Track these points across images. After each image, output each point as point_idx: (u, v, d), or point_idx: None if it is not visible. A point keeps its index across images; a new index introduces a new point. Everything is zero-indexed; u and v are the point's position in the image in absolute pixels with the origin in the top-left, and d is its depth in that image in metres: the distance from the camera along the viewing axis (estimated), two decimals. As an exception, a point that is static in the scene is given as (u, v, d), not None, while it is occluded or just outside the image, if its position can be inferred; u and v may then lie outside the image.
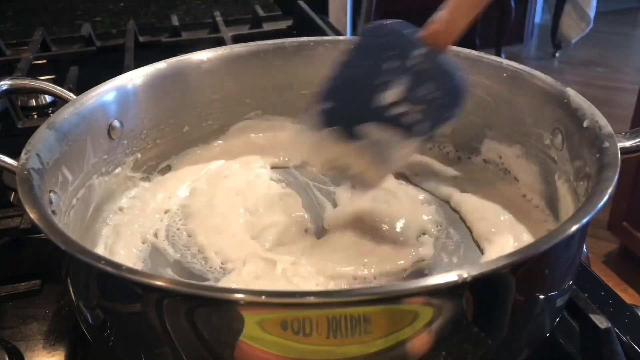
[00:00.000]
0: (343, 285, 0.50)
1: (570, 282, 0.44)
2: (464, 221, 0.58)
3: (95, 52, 1.03)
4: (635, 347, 0.46)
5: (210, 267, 0.53)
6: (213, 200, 0.61)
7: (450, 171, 0.65)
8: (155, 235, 0.58)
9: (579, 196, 0.48)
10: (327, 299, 0.33)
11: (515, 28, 3.64)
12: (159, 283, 0.33)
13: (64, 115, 0.52)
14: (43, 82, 0.60)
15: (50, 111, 0.90)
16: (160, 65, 0.63)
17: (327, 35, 1.01)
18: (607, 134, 0.45)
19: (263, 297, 0.32)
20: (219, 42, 0.99)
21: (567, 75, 3.33)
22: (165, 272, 0.53)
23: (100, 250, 0.54)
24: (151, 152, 0.64)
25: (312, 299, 0.32)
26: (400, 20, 0.46)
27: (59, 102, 0.60)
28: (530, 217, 0.56)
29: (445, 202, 0.61)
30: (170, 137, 0.66)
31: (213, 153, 0.69)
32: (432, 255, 0.54)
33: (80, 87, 0.73)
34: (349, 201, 0.61)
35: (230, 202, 0.61)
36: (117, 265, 0.34)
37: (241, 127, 0.71)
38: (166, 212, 0.61)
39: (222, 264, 0.53)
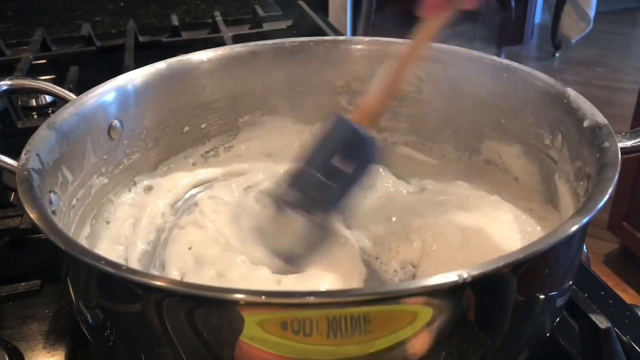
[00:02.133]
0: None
1: (570, 282, 0.44)
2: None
3: (95, 52, 1.03)
4: (635, 347, 0.46)
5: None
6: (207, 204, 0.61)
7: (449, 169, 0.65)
8: (152, 235, 0.58)
9: (579, 196, 0.48)
10: (327, 299, 0.33)
11: (515, 28, 3.64)
12: (158, 283, 0.33)
13: (64, 115, 0.52)
14: (43, 82, 0.60)
15: (50, 111, 0.90)
16: (160, 65, 0.63)
17: (327, 35, 1.01)
18: (607, 134, 0.45)
19: (263, 297, 0.32)
20: (219, 42, 1.00)
21: (567, 75, 3.33)
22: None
23: (99, 250, 0.54)
24: (151, 152, 0.64)
25: (312, 299, 0.32)
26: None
27: (59, 102, 0.60)
28: (529, 217, 0.56)
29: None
30: (170, 137, 0.66)
31: (212, 154, 0.69)
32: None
33: (80, 87, 0.73)
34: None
35: (225, 210, 0.61)
36: (117, 265, 0.34)
37: (241, 127, 0.71)
38: (163, 215, 0.61)
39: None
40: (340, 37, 0.74)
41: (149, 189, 0.63)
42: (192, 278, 0.52)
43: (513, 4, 3.33)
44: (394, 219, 0.59)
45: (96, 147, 0.56)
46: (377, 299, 0.33)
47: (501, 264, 0.33)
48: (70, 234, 0.48)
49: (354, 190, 0.53)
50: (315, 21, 1.09)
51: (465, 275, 0.32)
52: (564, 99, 0.52)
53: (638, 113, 1.79)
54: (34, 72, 0.91)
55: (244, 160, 0.69)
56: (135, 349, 0.40)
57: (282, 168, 0.68)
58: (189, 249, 0.55)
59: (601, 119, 0.47)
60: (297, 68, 0.70)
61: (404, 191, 0.63)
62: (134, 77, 0.60)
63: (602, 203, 0.38)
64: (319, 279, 0.50)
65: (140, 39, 1.08)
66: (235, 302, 0.33)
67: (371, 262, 0.55)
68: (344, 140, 0.52)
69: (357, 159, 0.52)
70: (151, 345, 0.38)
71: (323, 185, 0.52)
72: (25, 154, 0.46)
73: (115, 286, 0.37)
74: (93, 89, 0.57)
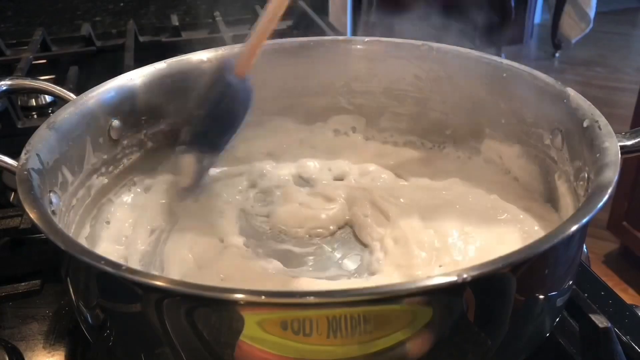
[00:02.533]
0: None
1: (570, 282, 0.44)
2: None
3: (95, 52, 1.03)
4: (635, 347, 0.46)
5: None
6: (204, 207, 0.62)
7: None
8: (152, 236, 0.58)
9: (579, 196, 0.48)
10: (327, 299, 0.33)
11: (515, 28, 3.63)
12: (159, 283, 0.33)
13: (64, 115, 0.52)
14: (43, 82, 0.60)
15: (50, 111, 0.90)
16: (160, 65, 0.63)
17: (327, 35, 1.01)
18: (607, 134, 0.45)
19: (263, 297, 0.32)
20: (219, 42, 0.99)
21: (567, 75, 3.33)
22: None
23: (99, 250, 0.54)
24: (151, 152, 0.64)
25: (312, 299, 0.32)
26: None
27: (59, 102, 0.60)
28: (529, 216, 0.56)
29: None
30: (171, 137, 0.65)
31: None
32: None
33: (80, 87, 0.73)
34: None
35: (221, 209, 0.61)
36: (117, 265, 0.34)
37: (241, 127, 0.70)
38: (163, 215, 0.61)
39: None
40: (340, 37, 0.74)
41: (149, 188, 0.63)
42: (192, 278, 0.52)
43: (513, 4, 3.33)
44: (391, 215, 0.59)
45: (96, 147, 0.56)
46: (377, 299, 0.33)
47: (501, 264, 0.33)
48: (70, 234, 0.48)
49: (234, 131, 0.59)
50: (315, 21, 1.09)
51: (464, 275, 0.32)
52: (564, 99, 0.52)
53: (638, 113, 1.79)
54: (34, 72, 0.91)
55: (244, 160, 0.69)
56: (135, 349, 0.40)
57: (282, 168, 0.69)
58: (189, 249, 0.55)
59: (601, 118, 0.47)
60: (297, 68, 0.70)
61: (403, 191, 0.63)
62: (134, 77, 0.60)
63: (602, 203, 0.38)
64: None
65: (140, 39, 1.08)
66: (235, 302, 0.33)
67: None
68: (223, 92, 0.57)
69: (236, 105, 0.58)
70: (151, 345, 0.38)
71: (208, 129, 0.58)
72: (25, 154, 0.46)
73: (115, 286, 0.37)
74: (93, 89, 0.57)
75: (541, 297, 0.39)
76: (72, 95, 0.57)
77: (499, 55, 0.62)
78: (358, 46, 0.69)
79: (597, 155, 0.44)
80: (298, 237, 0.59)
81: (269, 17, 0.56)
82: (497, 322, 0.38)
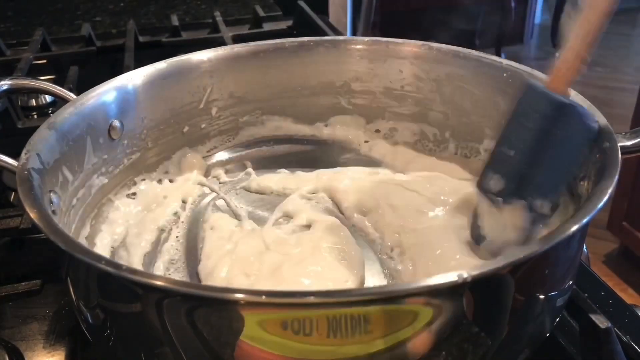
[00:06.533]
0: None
1: (570, 282, 0.44)
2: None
3: (95, 52, 1.03)
4: (635, 347, 0.46)
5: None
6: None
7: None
8: (153, 235, 0.58)
9: (579, 196, 0.48)
10: (327, 299, 0.33)
11: (515, 28, 3.64)
12: (159, 283, 0.33)
13: (64, 115, 0.52)
14: (43, 82, 0.60)
15: (50, 111, 0.90)
16: (160, 65, 0.63)
17: (327, 35, 1.01)
18: (607, 134, 0.45)
19: (263, 297, 0.32)
20: (219, 42, 1.00)
21: (567, 75, 3.33)
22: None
23: (99, 250, 0.54)
24: (151, 152, 0.64)
25: (312, 299, 0.32)
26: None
27: (59, 102, 0.60)
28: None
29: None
30: (170, 137, 0.66)
31: (213, 154, 0.69)
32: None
33: (80, 87, 0.73)
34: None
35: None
36: (117, 265, 0.34)
37: (241, 127, 0.71)
38: (163, 214, 0.61)
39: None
40: (340, 37, 0.74)
41: (149, 188, 0.63)
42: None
43: (513, 4, 3.33)
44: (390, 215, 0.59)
45: (96, 147, 0.56)
46: (377, 299, 0.33)
47: (501, 264, 0.33)
48: (70, 234, 0.48)
49: (565, 172, 0.46)
50: (315, 21, 1.09)
51: (465, 276, 0.32)
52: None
53: (638, 113, 1.79)
54: (34, 72, 0.91)
55: (244, 160, 0.69)
56: (135, 349, 0.40)
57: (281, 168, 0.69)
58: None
59: (601, 118, 0.47)
60: (297, 68, 0.70)
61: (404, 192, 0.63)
62: (134, 77, 0.60)
63: (602, 203, 0.38)
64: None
65: (140, 39, 1.08)
66: (236, 302, 0.33)
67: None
68: (539, 111, 0.44)
69: (562, 134, 0.44)
70: (151, 346, 0.38)
71: (525, 168, 0.45)
72: (26, 154, 0.46)
73: (116, 286, 0.37)
74: (93, 89, 0.57)
75: (541, 297, 0.39)
76: (72, 95, 0.57)
77: (499, 55, 0.62)
78: (358, 46, 0.69)
79: (597, 155, 0.44)
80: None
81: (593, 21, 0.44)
82: (497, 322, 0.38)
